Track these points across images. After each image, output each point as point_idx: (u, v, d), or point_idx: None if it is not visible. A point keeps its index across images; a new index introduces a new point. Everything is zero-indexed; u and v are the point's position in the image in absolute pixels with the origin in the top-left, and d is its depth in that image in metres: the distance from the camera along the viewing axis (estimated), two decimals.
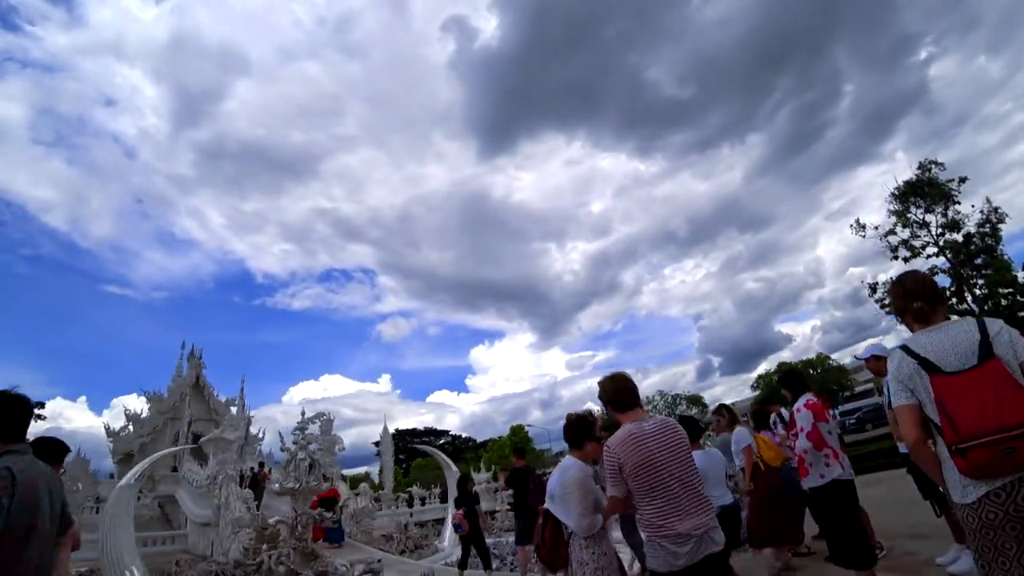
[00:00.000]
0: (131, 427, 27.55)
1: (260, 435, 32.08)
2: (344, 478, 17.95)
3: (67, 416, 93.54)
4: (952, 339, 2.02)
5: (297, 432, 11.67)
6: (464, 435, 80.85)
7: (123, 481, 11.74)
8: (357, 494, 16.46)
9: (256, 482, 15.46)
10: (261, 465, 18.09)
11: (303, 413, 12.32)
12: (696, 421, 5.69)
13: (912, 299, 2.20)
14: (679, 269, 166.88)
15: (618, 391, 2.78)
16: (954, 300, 24.48)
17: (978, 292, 23.97)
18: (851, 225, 27.28)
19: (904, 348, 2.12)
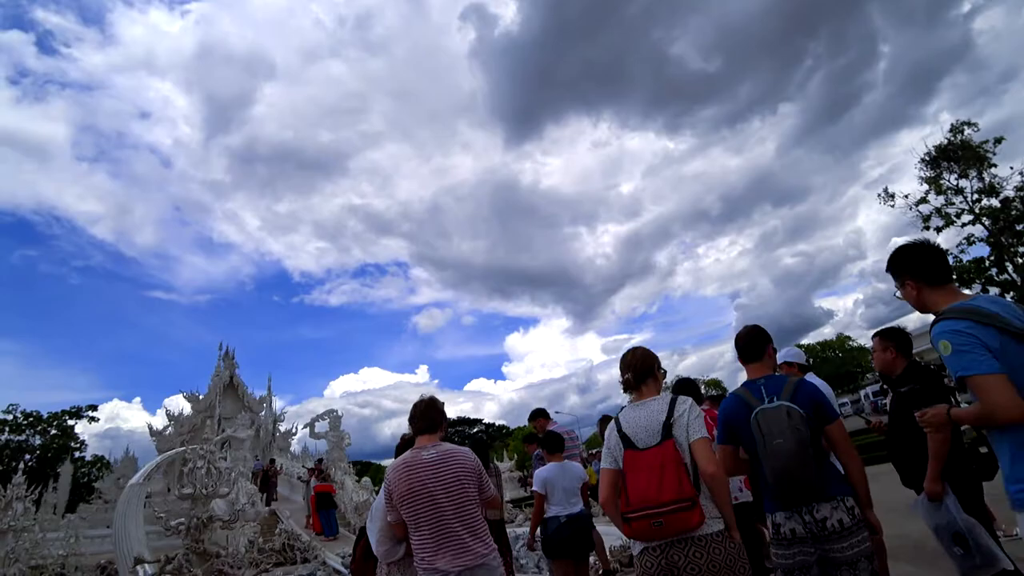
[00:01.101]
0: (172, 427, 29.25)
1: (294, 430, 33.55)
2: (351, 472, 18.67)
3: (124, 416, 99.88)
4: (647, 416, 2.33)
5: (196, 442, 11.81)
6: (499, 423, 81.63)
7: (133, 480, 12.47)
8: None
9: (267, 477, 16.20)
10: (272, 461, 18.91)
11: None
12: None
13: (624, 371, 2.50)
14: (713, 247, 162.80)
15: (412, 417, 2.82)
16: (994, 270, 22.85)
17: (1020, 260, 22.25)
18: (879, 195, 25.72)
19: (616, 420, 2.44)
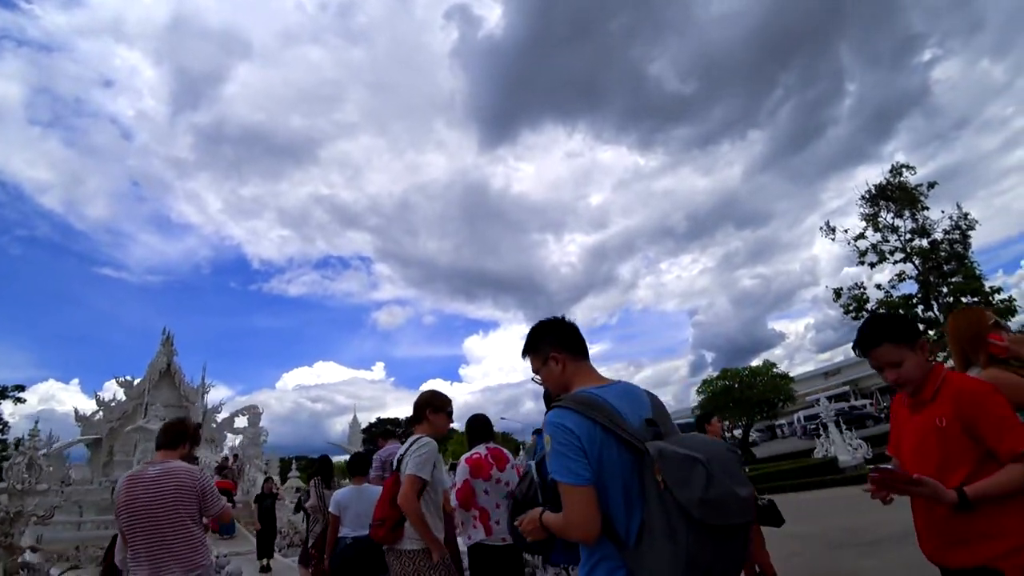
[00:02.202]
0: (101, 412, 28.17)
1: (234, 422, 32.68)
2: (264, 470, 18.41)
3: (59, 398, 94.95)
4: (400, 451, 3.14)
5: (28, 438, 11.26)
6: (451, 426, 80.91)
7: None
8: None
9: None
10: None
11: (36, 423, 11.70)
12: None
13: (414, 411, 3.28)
14: (676, 264, 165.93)
15: (160, 432, 3.01)
16: (920, 308, 23.91)
17: (944, 300, 23.35)
18: (821, 228, 26.71)
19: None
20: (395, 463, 3.04)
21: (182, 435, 2.98)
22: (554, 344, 1.76)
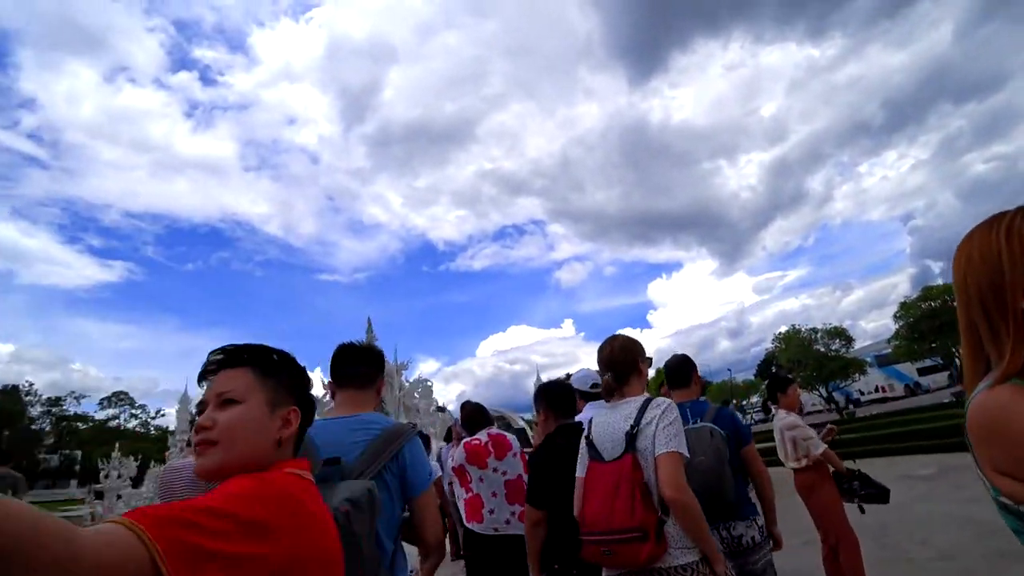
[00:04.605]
0: (327, 394, 33.67)
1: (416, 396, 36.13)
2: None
3: (312, 385, 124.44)
4: (615, 421, 2.00)
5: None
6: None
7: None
8: None
9: None
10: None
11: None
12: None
13: (603, 369, 2.16)
14: (878, 164, 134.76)
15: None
16: None
17: None
18: None
19: (589, 422, 2.14)
20: (628, 437, 1.92)
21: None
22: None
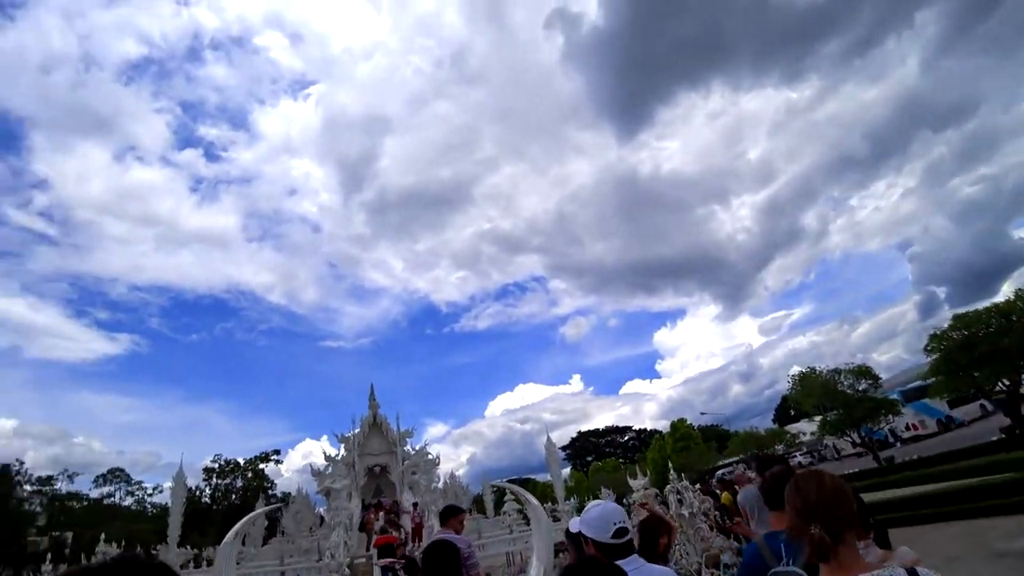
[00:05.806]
0: (330, 466, 31.76)
1: (437, 460, 34.27)
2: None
3: (316, 453, 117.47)
4: None
5: None
6: (651, 428, 77.17)
7: (226, 538, 12.61)
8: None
9: (363, 525, 15.72)
10: (377, 504, 18.57)
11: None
12: None
13: (809, 519, 1.47)
14: (868, 195, 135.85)
15: None
16: None
17: None
18: None
19: None
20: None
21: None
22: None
